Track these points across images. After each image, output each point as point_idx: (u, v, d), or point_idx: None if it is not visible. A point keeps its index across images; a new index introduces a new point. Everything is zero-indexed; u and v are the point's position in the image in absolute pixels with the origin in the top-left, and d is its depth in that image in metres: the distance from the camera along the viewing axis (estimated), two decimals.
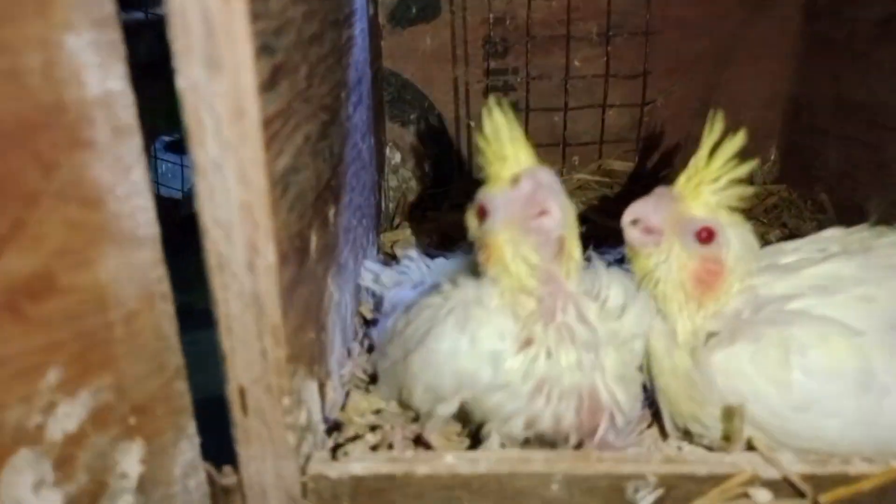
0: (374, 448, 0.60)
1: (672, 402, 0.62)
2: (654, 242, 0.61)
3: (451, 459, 0.55)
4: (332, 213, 0.67)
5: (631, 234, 0.61)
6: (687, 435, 0.63)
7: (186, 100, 0.42)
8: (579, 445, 0.60)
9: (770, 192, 1.17)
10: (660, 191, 0.61)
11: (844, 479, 0.53)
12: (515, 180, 0.56)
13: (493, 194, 0.58)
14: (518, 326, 0.59)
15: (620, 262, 0.95)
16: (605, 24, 1.16)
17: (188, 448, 0.52)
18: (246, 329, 0.49)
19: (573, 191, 1.20)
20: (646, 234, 0.61)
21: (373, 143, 1.01)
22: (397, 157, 1.25)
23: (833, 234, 0.66)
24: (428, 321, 0.62)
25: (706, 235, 0.59)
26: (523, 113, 1.21)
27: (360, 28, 0.88)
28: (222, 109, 0.42)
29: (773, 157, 1.24)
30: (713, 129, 0.59)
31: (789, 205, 1.15)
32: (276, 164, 0.47)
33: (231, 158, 0.43)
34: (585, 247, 0.63)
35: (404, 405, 0.67)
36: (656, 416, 0.66)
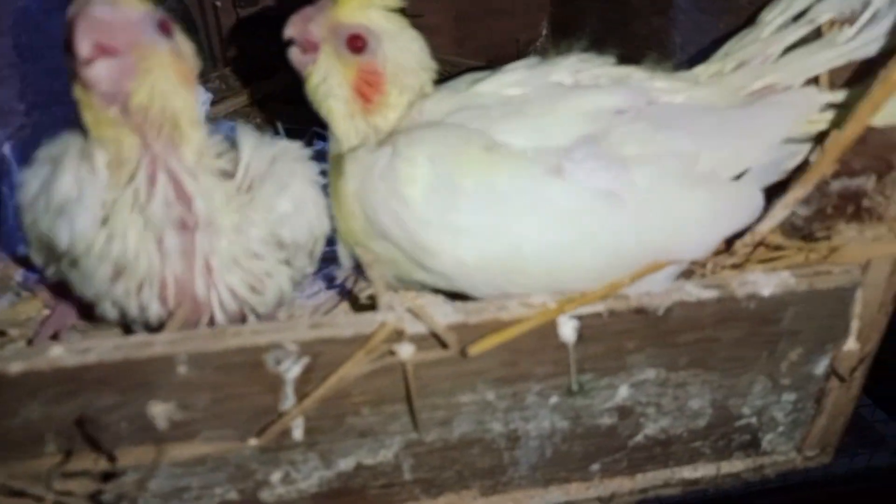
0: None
1: (338, 223, 0.57)
2: (313, 60, 0.56)
3: (57, 351, 0.46)
4: None
5: (293, 55, 0.57)
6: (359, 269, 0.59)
7: None
8: None
9: None
10: (320, 1, 0.56)
11: (498, 326, 0.50)
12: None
13: None
14: (106, 193, 0.49)
15: None
16: None
17: None
18: None
19: None
20: (307, 52, 0.56)
21: None
22: None
23: (529, 61, 0.61)
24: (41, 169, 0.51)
25: (358, 43, 0.55)
26: None
27: None
28: None
29: (544, 32, 1.20)
30: None
31: None
32: None
33: None
34: None
35: None
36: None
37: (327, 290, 0.66)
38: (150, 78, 0.47)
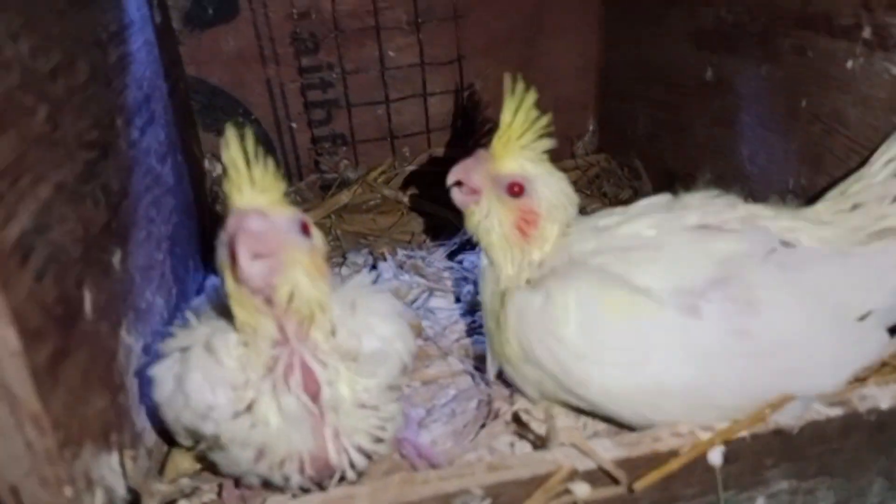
0: None
1: (490, 343, 0.68)
2: (474, 201, 0.66)
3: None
4: (116, 258, 0.61)
5: (455, 195, 0.67)
6: (501, 378, 0.70)
7: None
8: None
9: (590, 164, 1.21)
10: (478, 153, 0.66)
11: (656, 458, 0.56)
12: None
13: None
14: (243, 383, 0.53)
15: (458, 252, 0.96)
16: (413, 11, 1.14)
17: None
18: (3, 422, 0.43)
19: (407, 184, 1.19)
20: (468, 195, 0.66)
21: (181, 160, 0.94)
22: (218, 169, 1.17)
23: (660, 199, 0.68)
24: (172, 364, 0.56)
25: (517, 189, 0.64)
26: (345, 109, 1.17)
27: (140, 41, 0.81)
28: None
29: (591, 128, 1.28)
30: (514, 91, 0.62)
31: (608, 174, 1.19)
32: (6, 232, 0.41)
33: None
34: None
35: None
36: None
37: (460, 414, 0.72)
38: (293, 273, 0.50)
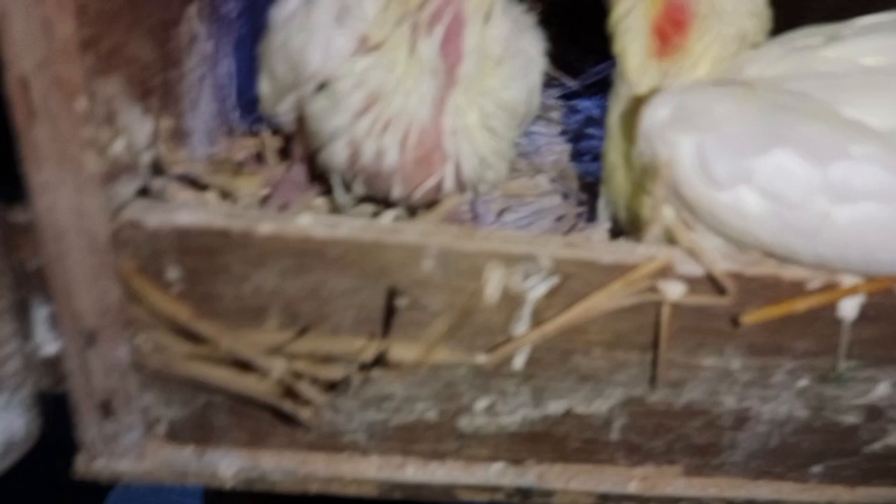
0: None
1: (608, 176, 0.55)
2: None
3: (306, 220, 0.44)
4: None
5: None
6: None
7: None
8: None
9: None
10: None
11: (777, 286, 0.44)
12: None
13: None
14: (377, 18, 0.48)
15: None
16: None
17: None
18: None
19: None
20: None
21: None
22: None
23: (888, 17, 0.51)
24: None
25: None
26: None
27: None
28: None
29: None
30: None
31: None
32: None
33: None
34: None
35: None
36: None
37: (539, 223, 0.62)
38: None
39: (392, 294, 0.44)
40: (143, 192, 0.47)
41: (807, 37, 0.51)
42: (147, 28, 0.46)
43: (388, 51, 0.49)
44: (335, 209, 0.59)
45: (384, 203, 0.57)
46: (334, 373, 0.46)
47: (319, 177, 0.59)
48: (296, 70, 0.51)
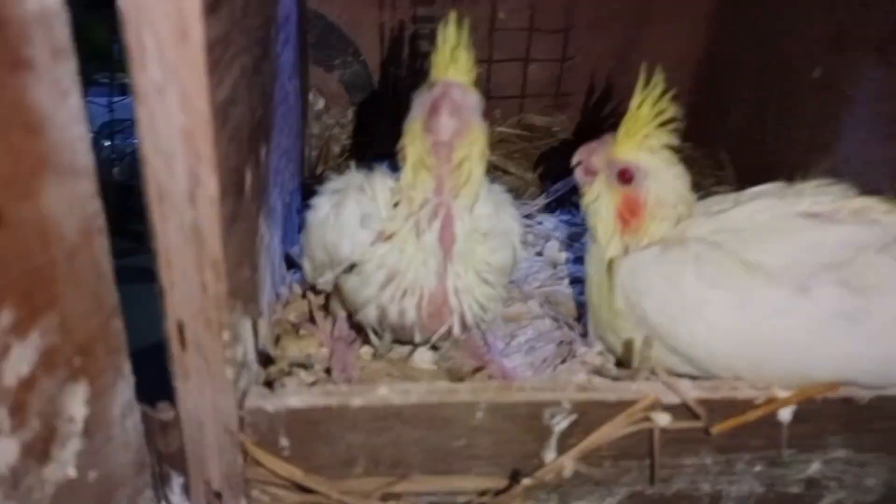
0: (313, 384, 0.62)
1: (594, 312, 0.72)
2: (590, 182, 0.71)
3: (385, 391, 0.58)
4: (263, 152, 0.67)
5: (576, 173, 0.73)
6: (605, 345, 0.74)
7: (128, 20, 0.41)
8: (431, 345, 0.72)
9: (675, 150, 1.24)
10: (605, 137, 0.70)
11: (733, 405, 0.60)
12: (432, 85, 0.62)
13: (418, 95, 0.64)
14: (389, 217, 0.65)
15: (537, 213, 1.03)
16: None
17: (125, 388, 0.52)
18: (186, 262, 0.49)
19: (494, 143, 1.23)
20: (587, 175, 0.71)
21: (298, 86, 1.00)
22: (321, 104, 1.24)
23: (772, 186, 0.71)
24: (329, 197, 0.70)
25: (626, 176, 0.68)
26: None
27: None
28: (165, 30, 0.41)
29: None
30: (646, 79, 0.65)
31: (692, 162, 1.22)
32: (218, 93, 0.47)
33: (174, 82, 0.43)
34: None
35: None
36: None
37: (539, 349, 0.77)
38: (470, 143, 0.62)
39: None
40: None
41: (720, 203, 0.71)
42: (248, 253, 0.59)
43: (400, 240, 0.65)
44: (376, 354, 0.73)
45: (411, 343, 0.71)
46: None
47: (356, 325, 0.74)
48: (331, 256, 0.68)
